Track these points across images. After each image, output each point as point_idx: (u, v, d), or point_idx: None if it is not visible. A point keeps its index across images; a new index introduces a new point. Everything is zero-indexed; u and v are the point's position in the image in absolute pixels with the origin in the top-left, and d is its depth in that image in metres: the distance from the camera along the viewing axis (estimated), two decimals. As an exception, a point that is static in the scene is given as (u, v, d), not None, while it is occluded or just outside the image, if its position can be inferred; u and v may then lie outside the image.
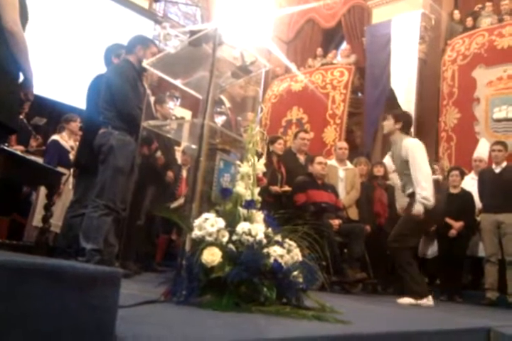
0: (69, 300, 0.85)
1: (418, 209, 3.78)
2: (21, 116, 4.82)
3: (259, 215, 2.07)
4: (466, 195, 5.25)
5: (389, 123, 4.08)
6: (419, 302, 3.73)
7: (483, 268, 4.98)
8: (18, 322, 0.78)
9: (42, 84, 6.43)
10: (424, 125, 8.00)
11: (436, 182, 5.02)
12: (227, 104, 3.40)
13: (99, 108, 3.36)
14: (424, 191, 3.77)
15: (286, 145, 6.52)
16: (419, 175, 3.81)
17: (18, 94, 2.28)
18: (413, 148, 3.91)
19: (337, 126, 8.89)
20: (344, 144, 5.73)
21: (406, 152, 3.89)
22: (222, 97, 3.40)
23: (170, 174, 4.50)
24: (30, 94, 2.34)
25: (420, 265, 5.67)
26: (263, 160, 2.27)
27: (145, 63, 2.89)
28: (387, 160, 6.31)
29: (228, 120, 3.07)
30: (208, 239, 1.88)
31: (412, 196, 3.92)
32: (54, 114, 7.22)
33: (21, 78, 2.31)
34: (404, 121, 4.07)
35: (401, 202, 5.52)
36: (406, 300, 3.77)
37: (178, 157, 5.74)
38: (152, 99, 4.19)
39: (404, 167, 3.95)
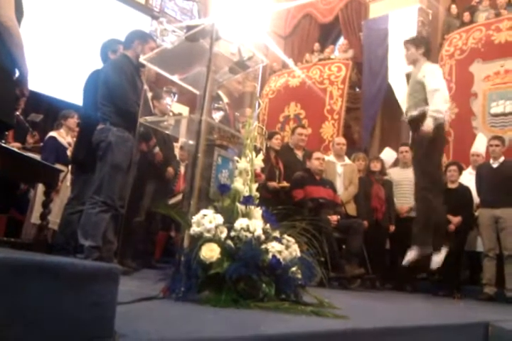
0: (68, 296, 0.85)
1: (428, 123, 3.71)
2: (18, 113, 4.79)
3: (257, 211, 2.07)
4: (464, 190, 5.25)
5: (411, 52, 4.07)
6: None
7: (481, 263, 4.99)
8: (17, 318, 0.78)
9: (38, 80, 6.41)
10: (422, 120, 7.99)
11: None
12: (225, 100, 3.39)
13: (96, 104, 3.35)
14: (437, 106, 3.73)
15: (283, 140, 6.52)
16: (434, 94, 3.77)
17: (13, 89, 2.26)
18: (432, 70, 3.91)
19: (335, 122, 8.88)
20: (342, 140, 5.73)
21: (423, 73, 3.87)
22: (220, 93, 3.39)
23: (170, 170, 4.49)
24: (26, 89, 2.33)
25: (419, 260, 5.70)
26: (261, 155, 2.26)
27: (142, 58, 2.88)
28: (385, 155, 6.31)
29: (226, 115, 3.07)
30: (207, 235, 1.88)
31: (413, 120, 3.89)
32: (51, 111, 7.20)
33: (17, 74, 2.29)
34: (425, 45, 4.07)
35: (400, 199, 5.54)
36: (437, 258, 3.84)
37: (177, 153, 5.73)
38: (150, 94, 4.18)
39: (415, 88, 3.93)
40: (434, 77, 3.83)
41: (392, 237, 5.52)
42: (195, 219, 1.94)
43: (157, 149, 4.00)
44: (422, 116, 3.83)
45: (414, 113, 3.89)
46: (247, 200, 2.04)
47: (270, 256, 1.89)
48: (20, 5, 2.32)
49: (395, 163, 6.28)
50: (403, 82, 8.02)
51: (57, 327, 0.83)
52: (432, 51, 4.22)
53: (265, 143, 5.11)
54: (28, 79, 2.33)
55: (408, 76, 4.32)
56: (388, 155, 6.35)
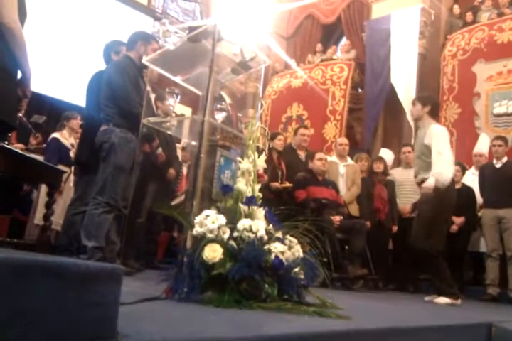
0: (71, 296, 0.85)
1: (430, 182, 3.68)
2: (20, 114, 4.80)
3: (260, 212, 2.07)
4: (467, 191, 5.25)
5: (417, 108, 4.03)
6: (455, 302, 3.64)
7: (484, 263, 4.98)
8: (20, 318, 0.78)
9: (41, 81, 6.43)
10: (425, 120, 7.98)
11: None
12: (228, 100, 3.39)
13: (99, 105, 3.35)
14: (442, 169, 3.69)
15: (286, 141, 6.51)
16: (439, 158, 3.73)
17: (15, 91, 2.27)
18: (438, 133, 3.85)
19: (337, 122, 8.88)
20: (345, 140, 5.72)
21: (430, 137, 3.82)
22: (223, 93, 3.39)
23: (171, 171, 4.49)
24: (28, 91, 2.33)
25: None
26: (264, 156, 2.27)
27: (144, 60, 2.89)
28: (384, 153, 6.30)
29: (229, 116, 3.07)
30: (209, 235, 1.88)
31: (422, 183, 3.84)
32: (53, 112, 7.21)
33: (19, 75, 2.30)
34: (432, 104, 4.04)
35: (403, 199, 5.53)
36: (443, 300, 3.65)
37: (179, 154, 5.73)
38: (153, 96, 4.19)
39: (422, 151, 3.88)
40: (439, 140, 3.79)
41: (394, 238, 5.52)
42: (197, 219, 1.94)
43: (160, 150, 4.00)
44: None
45: (422, 176, 3.86)
46: (250, 201, 2.05)
47: (273, 256, 1.89)
48: (24, 6, 2.32)
49: (398, 164, 6.27)
50: (405, 83, 8.03)
51: (60, 327, 0.83)
52: (439, 110, 4.12)
53: (268, 144, 5.11)
54: (31, 80, 2.34)
55: (415, 139, 4.21)
56: (385, 156, 6.32)
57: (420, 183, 3.89)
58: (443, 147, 3.80)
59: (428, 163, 3.80)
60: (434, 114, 4.08)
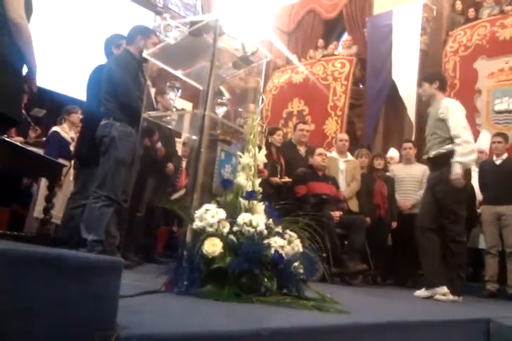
0: (71, 289, 0.85)
1: (456, 171, 3.46)
2: (21, 107, 4.79)
3: (260, 206, 2.07)
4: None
5: (425, 88, 3.93)
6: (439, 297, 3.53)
7: (483, 260, 4.99)
8: (21, 310, 0.78)
9: (42, 75, 6.40)
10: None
11: None
12: (227, 95, 3.39)
13: (99, 99, 3.35)
14: (465, 144, 3.51)
15: (287, 137, 6.51)
16: (459, 130, 3.57)
17: (21, 86, 2.28)
18: (453, 106, 3.74)
19: (338, 118, 8.86)
20: (345, 136, 5.72)
21: (445, 110, 3.69)
22: (222, 88, 3.39)
23: (170, 166, 4.50)
24: (34, 86, 2.35)
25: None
26: (264, 151, 2.27)
27: (145, 53, 2.88)
28: (393, 153, 6.28)
29: (227, 111, 3.07)
30: (209, 229, 1.88)
31: (433, 159, 3.74)
32: (54, 106, 7.20)
33: (25, 70, 2.31)
34: (439, 79, 3.94)
35: (402, 195, 5.53)
36: (422, 293, 3.58)
37: (179, 148, 5.73)
38: (153, 90, 4.18)
39: (438, 126, 3.72)
40: (455, 113, 3.66)
41: (394, 233, 5.53)
42: (197, 213, 1.95)
43: (160, 144, 4.00)
44: (444, 156, 3.63)
45: (434, 152, 3.71)
46: (250, 195, 2.05)
47: (272, 250, 1.89)
48: (30, 2, 2.33)
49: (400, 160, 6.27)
50: (407, 79, 8.01)
51: (60, 319, 0.83)
52: (447, 85, 4.05)
53: (266, 139, 5.10)
54: (37, 75, 2.35)
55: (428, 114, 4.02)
56: (395, 156, 6.25)
57: (433, 158, 3.74)
58: (459, 118, 3.66)
59: (444, 138, 3.65)
60: (443, 88, 3.98)
